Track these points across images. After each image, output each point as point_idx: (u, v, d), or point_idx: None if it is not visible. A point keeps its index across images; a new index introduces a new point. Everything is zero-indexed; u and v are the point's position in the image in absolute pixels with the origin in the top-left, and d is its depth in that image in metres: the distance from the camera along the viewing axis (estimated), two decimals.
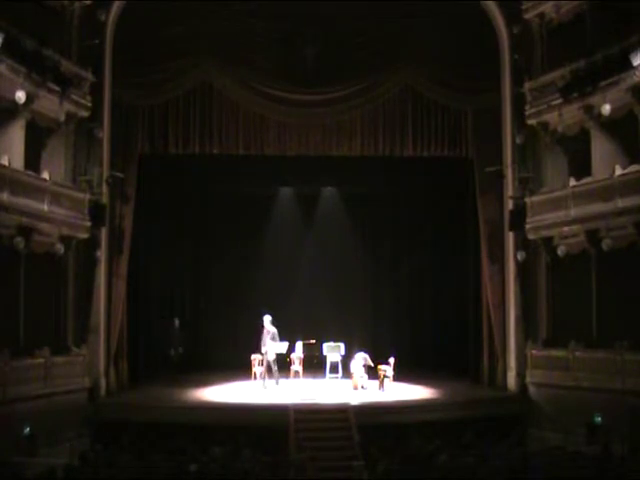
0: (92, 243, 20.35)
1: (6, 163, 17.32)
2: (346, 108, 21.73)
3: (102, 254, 20.62)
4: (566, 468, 13.41)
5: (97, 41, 20.35)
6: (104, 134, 20.71)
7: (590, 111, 19.66)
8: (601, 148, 19.95)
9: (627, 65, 17.89)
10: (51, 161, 19.67)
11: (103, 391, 20.40)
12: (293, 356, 21.31)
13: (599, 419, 18.09)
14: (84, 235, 19.94)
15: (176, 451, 14.77)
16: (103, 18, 20.56)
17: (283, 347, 21.02)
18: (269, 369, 20.95)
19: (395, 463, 13.24)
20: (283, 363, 21.61)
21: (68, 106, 19.36)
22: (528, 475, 12.54)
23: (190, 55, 21.18)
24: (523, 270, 21.41)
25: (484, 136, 22.06)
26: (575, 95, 19.61)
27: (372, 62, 21.57)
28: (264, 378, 20.79)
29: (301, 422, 17.54)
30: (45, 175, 18.70)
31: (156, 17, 20.77)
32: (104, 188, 20.54)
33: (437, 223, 25.97)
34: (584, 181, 19.92)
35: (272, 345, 20.65)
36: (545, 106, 20.69)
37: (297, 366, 21.21)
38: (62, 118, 19.11)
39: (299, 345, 20.96)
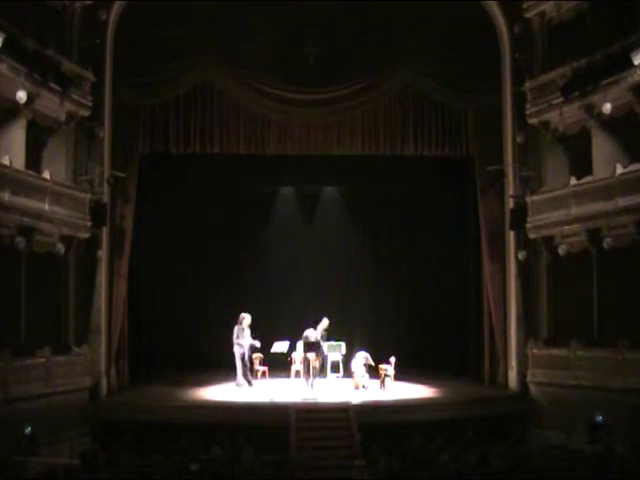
0: (93, 243, 20.38)
1: (7, 163, 17.35)
2: (347, 107, 21.71)
3: (103, 254, 20.64)
4: (567, 467, 13.41)
5: (98, 41, 20.38)
6: (105, 134, 20.74)
7: (591, 110, 19.64)
8: (602, 147, 19.94)
9: (628, 64, 17.85)
10: (52, 161, 19.68)
11: (104, 391, 20.44)
12: (294, 355, 21.28)
13: (600, 418, 18.09)
14: (85, 235, 19.96)
15: (177, 451, 14.77)
16: (104, 18, 20.59)
17: (284, 346, 21.01)
18: (322, 367, 21.15)
19: (396, 462, 13.23)
20: (284, 363, 21.62)
21: (69, 106, 19.36)
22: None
23: (191, 55, 21.17)
24: (524, 269, 21.43)
25: (485, 135, 22.06)
26: (576, 94, 19.61)
27: (373, 61, 21.57)
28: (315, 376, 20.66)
29: (302, 421, 17.54)
30: (46, 175, 18.72)
31: (157, 17, 20.78)
32: (105, 188, 20.55)
33: (438, 222, 25.90)
34: (585, 180, 19.92)
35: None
36: (546, 105, 20.69)
37: (298, 365, 21.17)
38: (63, 118, 19.08)
39: (300, 344, 20.93)
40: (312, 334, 20.77)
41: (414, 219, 26.42)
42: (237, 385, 20.67)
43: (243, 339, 20.47)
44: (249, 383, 20.70)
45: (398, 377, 20.99)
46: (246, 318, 20.65)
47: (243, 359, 20.57)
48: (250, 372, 20.92)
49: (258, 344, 20.75)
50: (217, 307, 25.52)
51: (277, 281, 25.99)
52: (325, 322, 21.50)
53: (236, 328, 20.53)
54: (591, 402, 18.51)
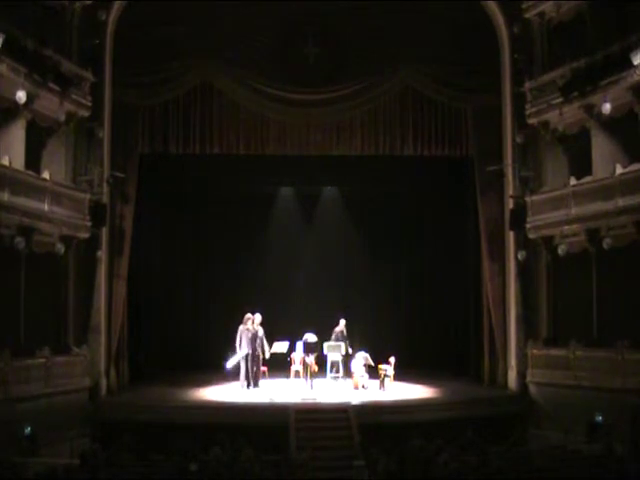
0: (93, 243, 20.39)
1: (7, 163, 17.36)
2: (346, 107, 21.75)
3: (103, 254, 20.64)
4: (567, 467, 13.41)
5: (97, 41, 20.39)
6: (104, 134, 20.75)
7: (590, 110, 19.65)
8: (601, 147, 19.94)
9: (627, 64, 17.86)
10: (51, 161, 19.68)
11: (104, 391, 20.46)
12: (294, 356, 21.27)
13: (600, 418, 18.08)
14: (85, 235, 19.96)
15: (176, 451, 14.75)
16: (103, 18, 20.62)
17: (284, 347, 20.99)
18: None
19: (395, 463, 13.23)
20: (284, 363, 21.61)
21: (68, 106, 19.38)
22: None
23: (190, 55, 21.18)
24: (523, 269, 21.42)
25: (484, 135, 22.06)
26: (575, 94, 19.62)
27: (372, 61, 21.60)
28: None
29: (302, 422, 17.54)
30: (45, 175, 18.74)
31: (156, 17, 20.81)
32: (104, 188, 20.56)
33: (437, 222, 25.96)
34: (584, 180, 19.93)
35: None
36: (545, 105, 20.69)
37: (297, 366, 21.16)
38: (62, 118, 19.09)
39: (300, 345, 20.94)
40: (312, 338, 20.83)
41: (414, 219, 26.49)
42: (249, 387, 20.60)
43: (247, 339, 20.37)
44: (253, 384, 20.58)
45: (398, 377, 20.97)
46: (252, 318, 20.57)
47: (246, 359, 20.45)
48: (252, 373, 20.75)
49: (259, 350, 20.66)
50: (217, 307, 25.55)
51: (277, 281, 26.03)
52: (342, 323, 21.58)
53: (240, 328, 20.48)
54: (590, 402, 18.50)
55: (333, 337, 21.58)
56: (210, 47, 21.21)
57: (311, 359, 20.38)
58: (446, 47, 21.53)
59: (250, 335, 20.33)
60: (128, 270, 21.54)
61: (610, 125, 19.48)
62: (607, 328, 19.10)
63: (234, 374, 20.69)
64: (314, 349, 20.59)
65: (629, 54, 17.76)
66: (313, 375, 20.44)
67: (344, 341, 21.51)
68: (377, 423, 17.79)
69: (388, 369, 20.51)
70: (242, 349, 20.28)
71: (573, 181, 20.02)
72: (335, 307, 23.93)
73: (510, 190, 21.53)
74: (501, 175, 21.84)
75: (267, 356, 20.68)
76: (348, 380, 21.29)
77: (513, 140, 21.55)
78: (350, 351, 21.47)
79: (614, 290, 19.01)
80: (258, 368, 20.71)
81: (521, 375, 21.09)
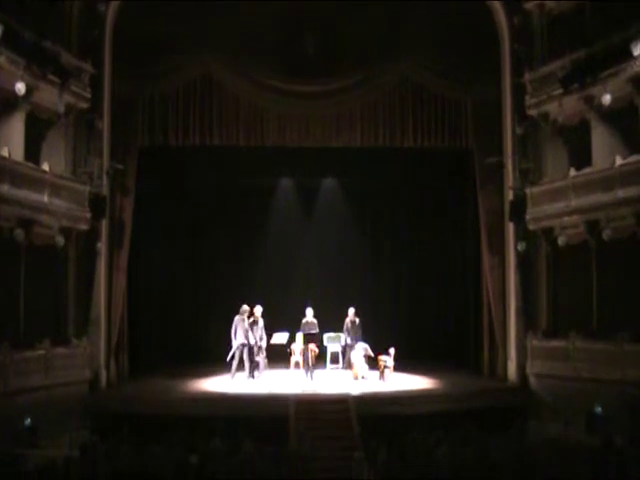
0: (92, 235, 20.39)
1: (6, 155, 17.34)
2: (346, 99, 21.72)
3: (102, 246, 20.64)
4: (566, 459, 13.43)
5: (97, 33, 20.34)
6: (104, 126, 20.74)
7: (590, 101, 19.64)
8: (601, 138, 19.92)
9: (627, 55, 17.84)
10: (51, 153, 19.67)
11: (103, 383, 20.48)
12: (293, 347, 21.28)
13: (599, 410, 18.10)
14: (84, 227, 19.96)
15: (176, 443, 14.77)
16: (103, 10, 20.56)
17: (284, 338, 21.00)
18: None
19: (395, 454, 13.25)
20: (284, 354, 21.61)
21: (68, 98, 19.35)
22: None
23: (190, 47, 21.10)
24: (523, 261, 21.39)
25: (484, 127, 22.03)
26: (575, 85, 19.58)
27: (372, 53, 21.54)
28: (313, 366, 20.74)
29: (302, 413, 17.56)
30: (45, 167, 18.71)
31: (156, 9, 20.70)
32: (104, 180, 20.54)
33: (437, 214, 25.98)
34: (584, 171, 19.90)
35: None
36: (545, 97, 20.66)
37: (297, 357, 21.19)
38: (62, 110, 19.04)
39: (299, 336, 20.95)
40: (311, 318, 20.79)
41: (414, 211, 26.46)
42: (247, 377, 20.57)
43: (242, 330, 20.32)
44: (251, 375, 20.55)
45: (397, 369, 20.99)
46: (248, 310, 20.51)
47: (242, 350, 20.38)
48: (251, 364, 20.69)
49: (252, 340, 20.56)
50: (217, 298, 25.51)
51: (276, 272, 25.99)
52: (351, 312, 21.64)
53: (236, 318, 20.43)
54: (590, 394, 18.50)
55: (345, 328, 21.58)
56: (210, 39, 21.13)
57: (313, 345, 20.41)
58: (446, 39, 21.45)
59: (246, 325, 20.31)
60: (128, 262, 21.55)
61: (610, 116, 19.46)
62: (607, 320, 19.09)
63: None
64: (314, 340, 20.61)
65: (629, 45, 17.72)
66: (313, 365, 20.46)
67: (356, 331, 21.45)
68: (377, 414, 17.80)
69: (388, 360, 20.53)
70: (237, 339, 20.28)
71: (573, 172, 20.00)
72: (335, 298, 23.97)
73: (510, 182, 21.50)
74: (501, 167, 21.82)
75: (264, 345, 20.66)
76: (348, 371, 21.34)
77: (513, 132, 21.52)
78: (349, 341, 21.44)
79: (614, 282, 19.01)
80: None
81: (521, 367, 21.10)
